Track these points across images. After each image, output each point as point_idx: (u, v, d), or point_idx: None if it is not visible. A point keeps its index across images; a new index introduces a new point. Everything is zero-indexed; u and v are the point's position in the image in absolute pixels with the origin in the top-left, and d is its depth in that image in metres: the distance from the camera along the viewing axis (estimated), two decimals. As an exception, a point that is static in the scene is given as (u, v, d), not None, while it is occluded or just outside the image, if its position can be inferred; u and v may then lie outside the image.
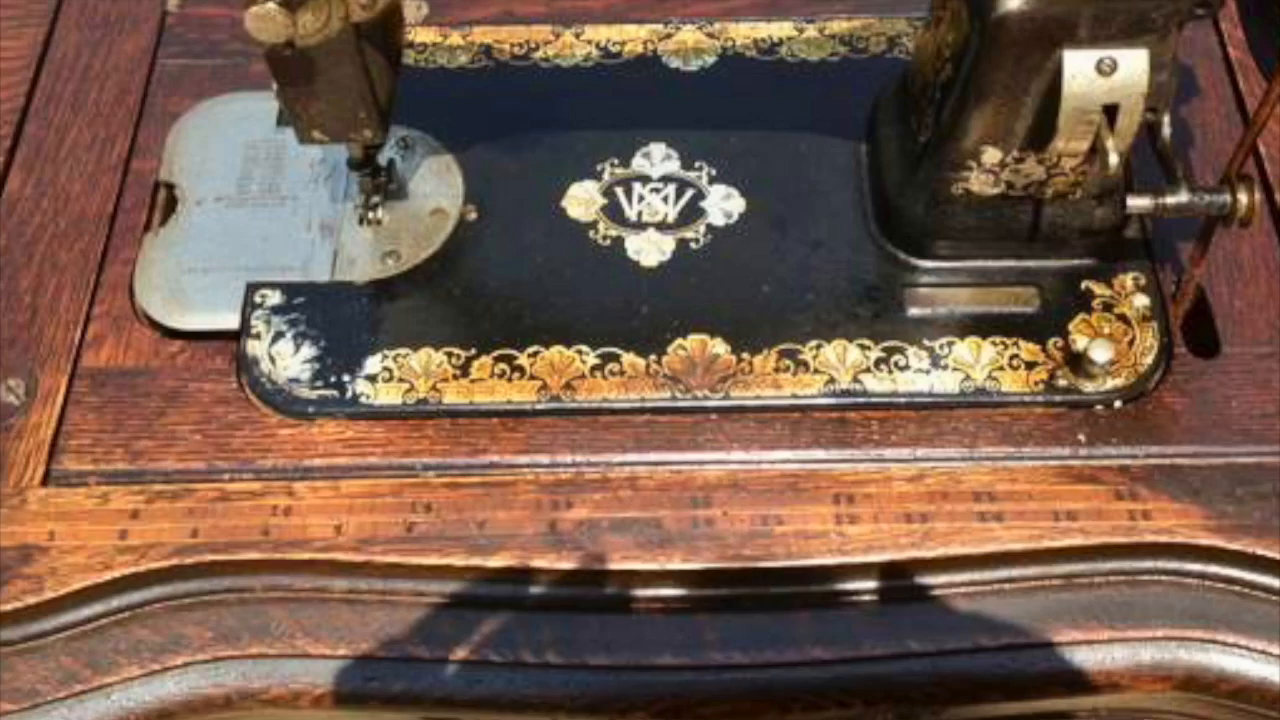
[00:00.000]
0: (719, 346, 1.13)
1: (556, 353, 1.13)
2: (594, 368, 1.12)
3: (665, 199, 1.22)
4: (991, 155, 1.08)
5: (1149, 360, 1.11)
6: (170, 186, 1.24)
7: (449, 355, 1.13)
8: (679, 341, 1.14)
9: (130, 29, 1.35)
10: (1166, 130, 1.07)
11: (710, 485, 1.08)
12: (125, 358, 1.14)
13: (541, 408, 1.11)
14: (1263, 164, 1.22)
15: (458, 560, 1.04)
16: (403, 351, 1.14)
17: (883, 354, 1.13)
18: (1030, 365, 1.12)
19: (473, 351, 1.13)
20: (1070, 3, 0.96)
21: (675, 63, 1.31)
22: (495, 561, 1.04)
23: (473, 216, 1.21)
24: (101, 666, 1.03)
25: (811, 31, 1.33)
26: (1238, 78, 1.28)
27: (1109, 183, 1.11)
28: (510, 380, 1.12)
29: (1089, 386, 1.10)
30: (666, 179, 1.23)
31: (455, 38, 1.33)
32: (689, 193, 1.22)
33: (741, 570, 1.05)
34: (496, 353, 1.13)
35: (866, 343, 1.13)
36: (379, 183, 1.20)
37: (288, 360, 1.13)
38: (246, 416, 1.11)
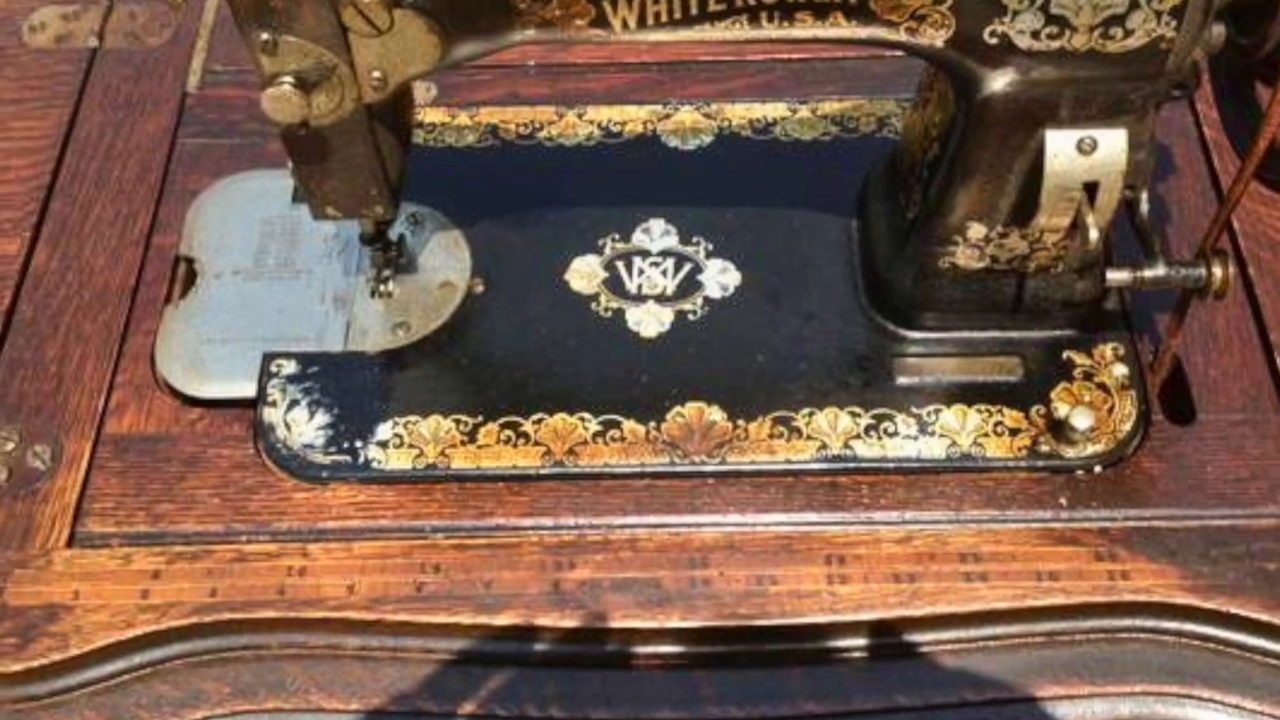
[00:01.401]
0: (716, 414, 1.14)
1: (560, 420, 1.14)
2: (596, 434, 1.13)
3: (664, 273, 1.22)
4: (977, 231, 1.09)
5: (1128, 427, 1.11)
6: (190, 261, 1.25)
7: (457, 422, 1.14)
8: (677, 409, 1.14)
9: (151, 110, 1.37)
10: (1144, 206, 1.08)
11: (707, 547, 1.08)
12: (147, 425, 1.15)
13: (545, 473, 1.12)
14: (1236, 239, 1.23)
15: (465, 619, 1.05)
16: (413, 419, 1.14)
17: (872, 421, 1.13)
18: (1014, 432, 1.12)
19: (480, 419, 1.14)
20: (1052, 85, 0.97)
21: (674, 142, 1.32)
22: (501, 620, 1.05)
23: (480, 289, 1.22)
24: (124, 720, 1.04)
25: (804, 112, 1.33)
26: (1213, 156, 1.29)
27: (1089, 257, 1.12)
28: (516, 446, 1.12)
29: (1070, 452, 1.11)
30: (665, 253, 1.24)
31: (463, 118, 1.34)
32: (687, 266, 1.23)
33: (737, 628, 1.05)
34: (502, 420, 1.14)
35: (857, 410, 1.14)
36: (390, 257, 1.21)
37: (302, 427, 1.14)
38: (263, 481, 1.12)
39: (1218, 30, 0.97)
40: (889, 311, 1.19)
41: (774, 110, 1.34)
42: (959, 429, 1.13)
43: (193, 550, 1.09)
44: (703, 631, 1.05)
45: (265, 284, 1.23)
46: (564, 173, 1.30)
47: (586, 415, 1.14)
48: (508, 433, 1.13)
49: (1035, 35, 0.93)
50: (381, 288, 1.21)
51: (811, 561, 1.07)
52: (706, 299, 1.21)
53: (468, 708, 1.04)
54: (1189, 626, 1.05)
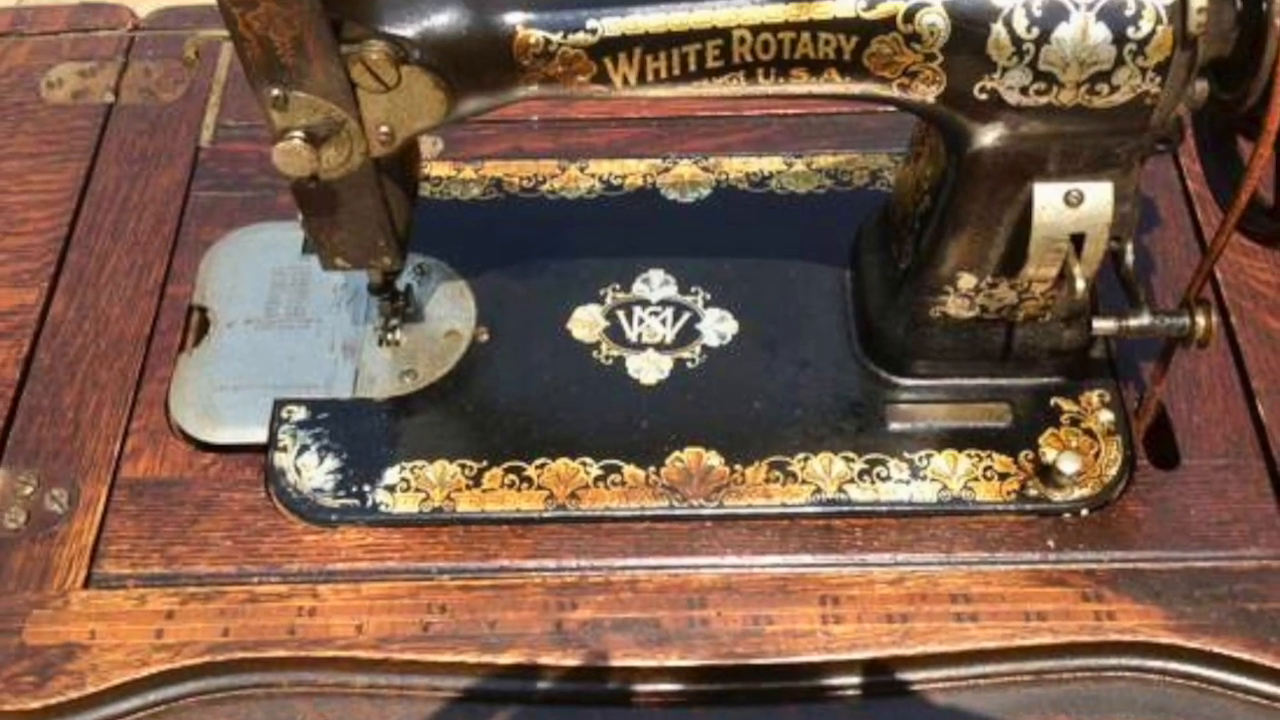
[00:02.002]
0: (713, 459, 1.14)
1: (562, 464, 1.14)
2: (597, 478, 1.13)
3: (663, 321, 1.23)
4: (967, 281, 1.10)
5: (1113, 472, 1.12)
6: (203, 310, 1.25)
7: (462, 467, 1.14)
8: (676, 454, 1.15)
9: (166, 163, 1.37)
10: (1129, 257, 1.09)
11: (705, 588, 1.09)
12: (161, 469, 1.16)
13: (548, 516, 1.12)
14: (1219, 289, 1.24)
15: (470, 657, 1.05)
16: (419, 463, 1.14)
17: (866, 466, 1.14)
18: (1003, 476, 1.12)
19: (484, 463, 1.14)
20: (1040, 139, 0.98)
21: (673, 195, 1.33)
22: (505, 659, 1.05)
23: (484, 338, 1.23)
24: (139, 758, 1.04)
25: (799, 165, 1.34)
26: (1196, 209, 1.30)
27: (1076, 306, 1.12)
28: (519, 490, 1.13)
29: (1058, 496, 1.11)
30: (665, 303, 1.24)
31: (468, 171, 1.35)
32: (685, 316, 1.24)
33: (734, 667, 1.05)
34: (506, 464, 1.14)
35: (851, 455, 1.14)
36: (397, 306, 1.21)
37: (312, 472, 1.14)
38: (274, 524, 1.12)
39: (1201, 86, 0.97)
40: (882, 359, 1.20)
41: (770, 164, 1.35)
42: (950, 473, 1.13)
43: (206, 591, 1.09)
44: (701, 670, 1.05)
45: (276, 333, 1.24)
46: (566, 225, 1.31)
47: (588, 460, 1.15)
48: (511, 477, 1.14)
49: (1024, 91, 0.94)
50: (389, 336, 1.22)
51: (806, 602, 1.08)
52: (705, 347, 1.22)
53: (473, 744, 1.04)
54: (1173, 665, 1.05)
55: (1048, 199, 1.01)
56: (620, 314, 1.24)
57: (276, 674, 1.07)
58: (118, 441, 1.18)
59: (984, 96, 0.95)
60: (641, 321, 1.24)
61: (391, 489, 1.14)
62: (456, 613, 1.08)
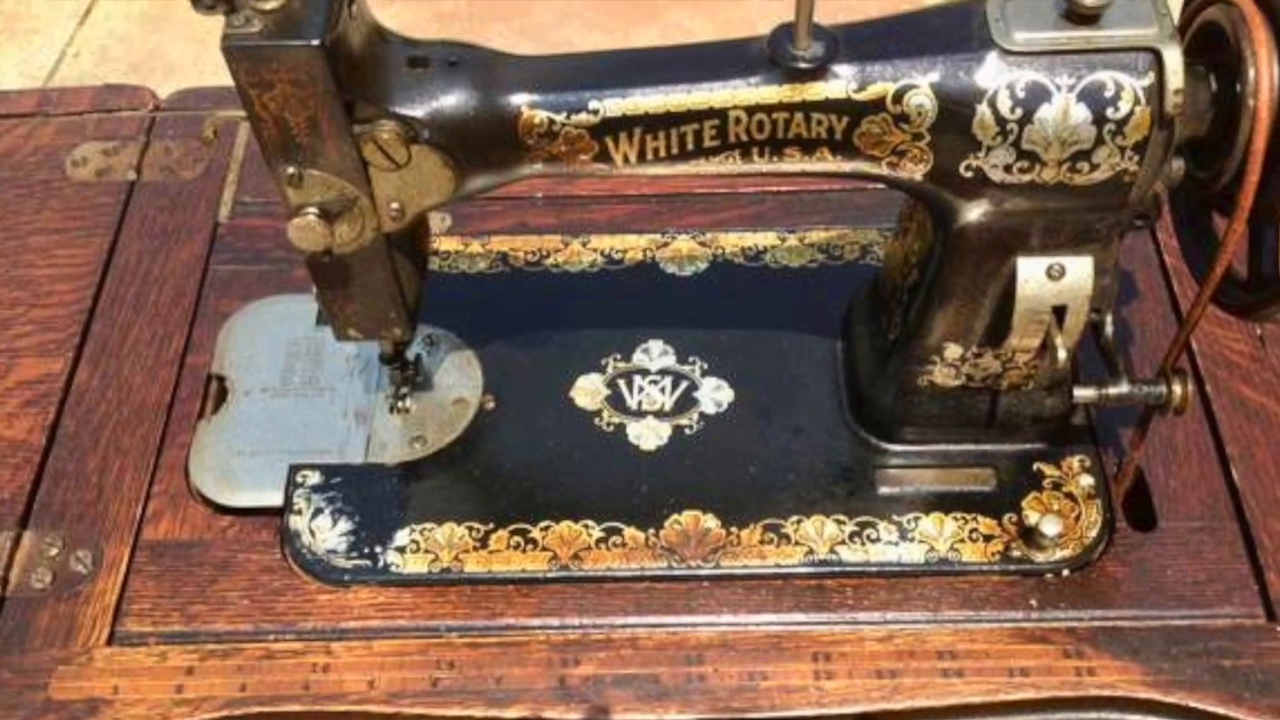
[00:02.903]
0: (710, 521, 1.16)
1: (565, 527, 1.15)
2: (599, 540, 1.15)
3: (662, 390, 1.25)
4: (953, 351, 1.12)
5: (1094, 534, 1.13)
6: (221, 379, 1.27)
7: (470, 529, 1.16)
8: (675, 517, 1.16)
9: (185, 238, 1.39)
10: (1109, 329, 1.10)
11: (702, 645, 1.10)
12: (181, 531, 1.17)
13: (552, 576, 1.13)
14: (1195, 359, 1.25)
15: (478, 712, 1.06)
16: (429, 526, 1.16)
17: (856, 528, 1.15)
18: (988, 538, 1.14)
19: (491, 526, 1.16)
20: (1023, 215, 0.99)
21: (671, 268, 1.34)
22: (511, 713, 1.06)
23: (491, 406, 1.24)
24: (160, 809, 1.05)
25: (792, 240, 1.36)
26: (1172, 282, 1.31)
27: (1058, 375, 1.13)
28: (524, 551, 1.14)
29: (1040, 557, 1.12)
30: (663, 372, 1.26)
31: (475, 246, 1.37)
32: (683, 384, 1.25)
33: None
34: (512, 527, 1.16)
35: (842, 518, 1.15)
36: (407, 375, 1.23)
37: (326, 534, 1.16)
38: (289, 584, 1.14)
39: (1177, 165, 0.98)
40: (871, 426, 1.21)
41: (764, 239, 1.36)
42: (937, 535, 1.14)
43: (224, 648, 1.10)
44: (699, 724, 1.07)
45: (291, 400, 1.25)
46: (569, 297, 1.32)
47: (590, 522, 1.16)
48: (517, 539, 1.15)
49: (1008, 169, 0.96)
50: (399, 404, 1.23)
51: (799, 658, 1.09)
52: (702, 414, 1.23)
53: (481, 795, 1.05)
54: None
55: (1030, 273, 1.02)
56: (621, 383, 1.26)
57: (292, 728, 1.07)
58: (140, 505, 1.19)
59: (969, 174, 0.97)
60: (641, 390, 1.25)
61: (402, 550, 1.15)
62: (464, 669, 1.09)
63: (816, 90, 0.95)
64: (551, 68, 1.00)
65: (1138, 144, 0.94)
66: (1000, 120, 0.94)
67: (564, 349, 1.29)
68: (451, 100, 0.97)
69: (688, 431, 1.23)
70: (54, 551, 1.16)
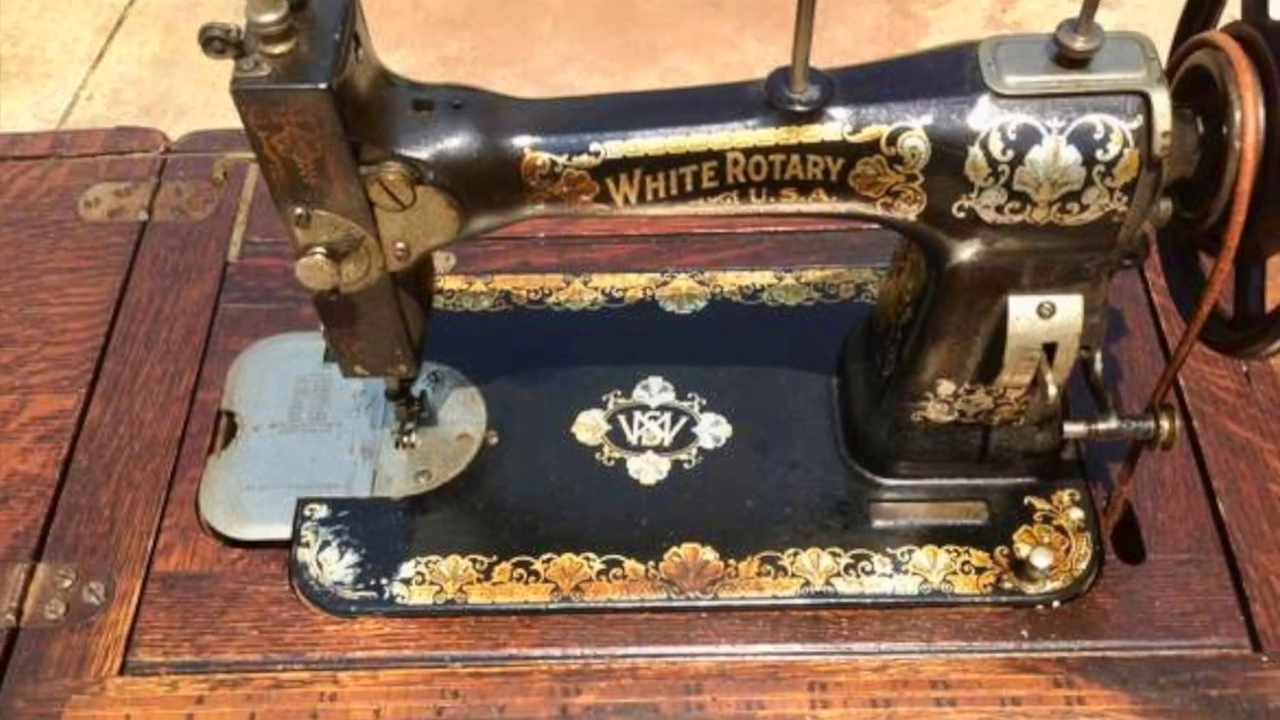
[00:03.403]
0: (709, 554, 1.16)
1: (567, 559, 1.16)
2: (600, 572, 1.16)
3: (662, 425, 1.26)
4: (946, 387, 1.13)
5: (1083, 566, 1.14)
6: (231, 415, 1.28)
7: (474, 561, 1.16)
8: (674, 549, 1.17)
9: (196, 277, 1.40)
10: (1098, 365, 1.11)
11: (701, 675, 1.11)
12: (192, 564, 1.18)
13: (554, 607, 1.14)
14: (1182, 395, 1.26)
15: None
16: (433, 558, 1.17)
17: (851, 560, 1.16)
18: (980, 570, 1.15)
19: (494, 558, 1.17)
20: (1014, 255, 1.00)
21: (670, 306, 1.35)
22: None
23: (494, 441, 1.25)
24: (169, 835, 1.06)
25: (789, 279, 1.37)
26: (1160, 320, 1.32)
27: (1048, 411, 1.15)
28: (527, 583, 1.15)
29: (1031, 589, 1.13)
30: (663, 408, 1.27)
31: (479, 285, 1.38)
32: (683, 420, 1.26)
33: None
34: (515, 559, 1.17)
35: (837, 550, 1.16)
36: (413, 411, 1.23)
37: (333, 566, 1.16)
38: (297, 615, 1.15)
39: (1165, 205, 1.00)
40: (866, 461, 1.22)
41: (762, 278, 1.37)
42: (930, 568, 1.15)
43: (233, 678, 1.11)
44: (697, 753, 1.07)
45: (299, 436, 1.26)
46: (571, 335, 1.33)
47: (591, 555, 1.17)
48: (520, 571, 1.16)
49: (999, 210, 0.96)
50: (405, 439, 1.24)
51: (796, 688, 1.10)
52: (700, 449, 1.24)
53: (485, 822, 1.06)
54: (1139, 748, 1.07)
55: (1021, 311, 1.04)
56: (621, 418, 1.27)
57: (300, 756, 1.09)
58: (151, 538, 1.20)
59: (962, 215, 0.98)
60: (641, 425, 1.26)
61: (407, 582, 1.16)
62: (468, 698, 1.10)
63: (812, 133, 0.96)
64: (553, 110, 1.01)
65: (1126, 185, 0.95)
66: (992, 162, 0.95)
67: (565, 385, 1.29)
68: (456, 142, 0.98)
69: (687, 466, 1.24)
70: (67, 583, 1.17)
